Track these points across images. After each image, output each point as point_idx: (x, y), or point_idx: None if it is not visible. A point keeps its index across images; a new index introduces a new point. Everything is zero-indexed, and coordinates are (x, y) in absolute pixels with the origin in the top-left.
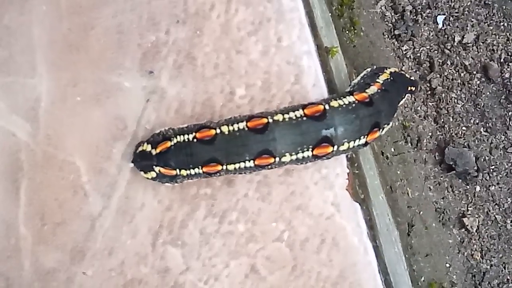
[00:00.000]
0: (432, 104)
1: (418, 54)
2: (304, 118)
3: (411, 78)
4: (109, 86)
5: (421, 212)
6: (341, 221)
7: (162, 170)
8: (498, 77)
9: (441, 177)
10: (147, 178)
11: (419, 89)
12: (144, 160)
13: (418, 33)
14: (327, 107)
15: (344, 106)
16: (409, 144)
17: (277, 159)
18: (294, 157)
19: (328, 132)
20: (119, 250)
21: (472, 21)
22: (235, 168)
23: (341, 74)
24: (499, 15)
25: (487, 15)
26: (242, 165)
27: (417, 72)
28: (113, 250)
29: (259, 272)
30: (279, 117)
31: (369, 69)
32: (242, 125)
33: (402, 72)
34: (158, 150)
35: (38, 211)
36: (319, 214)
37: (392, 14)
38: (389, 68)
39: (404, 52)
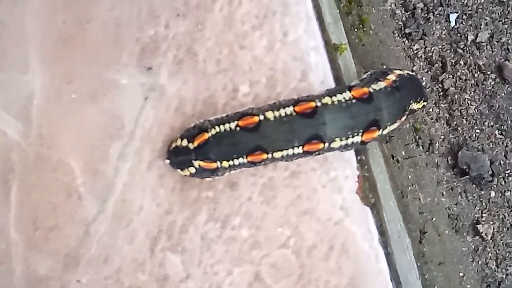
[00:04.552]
0: (445, 106)
1: (430, 54)
2: (354, 101)
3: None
4: (106, 83)
5: (433, 219)
6: (350, 226)
7: (202, 163)
8: None
9: (454, 182)
10: (185, 175)
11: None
12: (181, 155)
13: (429, 31)
14: (371, 89)
15: (383, 89)
16: (421, 148)
17: (327, 144)
18: (343, 142)
19: (376, 114)
20: (115, 256)
21: (486, 19)
22: (282, 156)
23: (350, 72)
24: None
25: (502, 13)
26: (290, 152)
27: (429, 72)
28: (108, 256)
29: (263, 281)
30: (327, 100)
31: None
32: (289, 110)
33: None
34: (196, 144)
35: (30, 215)
36: (327, 218)
37: (403, 11)
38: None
39: (415, 52)
